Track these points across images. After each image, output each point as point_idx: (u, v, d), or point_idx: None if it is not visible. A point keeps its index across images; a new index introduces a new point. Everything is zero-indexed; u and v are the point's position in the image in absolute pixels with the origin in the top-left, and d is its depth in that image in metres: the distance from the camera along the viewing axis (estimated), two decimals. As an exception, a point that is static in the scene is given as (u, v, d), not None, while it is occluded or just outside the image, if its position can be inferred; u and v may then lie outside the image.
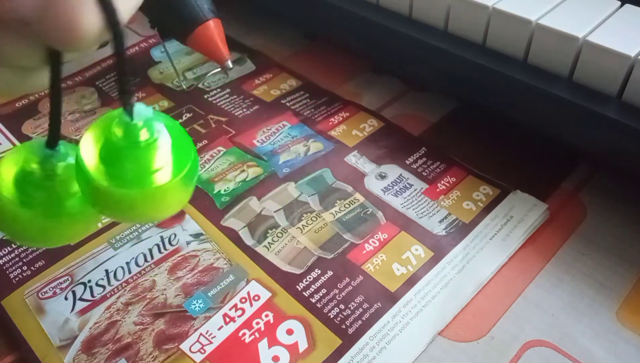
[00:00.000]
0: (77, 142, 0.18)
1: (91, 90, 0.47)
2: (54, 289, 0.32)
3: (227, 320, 0.30)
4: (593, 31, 0.33)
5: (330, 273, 0.32)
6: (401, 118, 0.43)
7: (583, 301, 0.31)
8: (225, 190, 0.37)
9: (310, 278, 0.32)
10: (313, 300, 0.31)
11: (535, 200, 0.36)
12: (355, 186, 0.37)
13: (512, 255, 0.34)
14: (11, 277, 0.32)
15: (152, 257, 0.33)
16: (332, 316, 0.30)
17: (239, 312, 0.30)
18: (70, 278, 0.32)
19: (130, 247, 0.34)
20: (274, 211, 0.36)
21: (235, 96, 0.45)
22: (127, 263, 0.33)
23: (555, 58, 0.34)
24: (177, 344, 0.29)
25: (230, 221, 0.35)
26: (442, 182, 0.38)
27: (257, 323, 0.30)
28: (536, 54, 0.35)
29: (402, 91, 0.46)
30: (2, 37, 0.15)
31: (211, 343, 0.29)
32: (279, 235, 0.34)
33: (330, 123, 0.42)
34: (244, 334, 0.29)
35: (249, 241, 0.34)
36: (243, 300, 0.31)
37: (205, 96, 0.46)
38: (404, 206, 0.36)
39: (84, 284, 0.32)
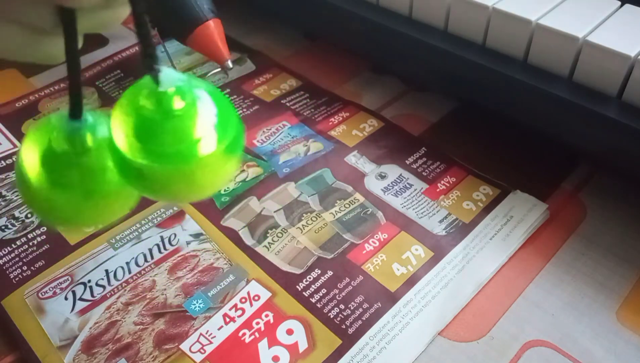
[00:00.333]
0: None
1: (91, 90, 0.47)
2: (54, 289, 0.32)
3: (227, 320, 0.30)
4: (593, 31, 0.33)
5: (330, 273, 0.32)
6: (401, 118, 0.44)
7: (583, 301, 0.31)
8: (225, 190, 0.37)
9: (310, 278, 0.32)
10: (313, 300, 0.31)
11: (535, 200, 0.36)
12: (355, 186, 0.37)
13: (512, 255, 0.34)
14: (11, 277, 0.32)
15: (152, 257, 0.33)
16: (332, 316, 0.30)
17: (239, 312, 0.30)
18: (70, 278, 0.32)
19: (130, 247, 0.34)
20: (274, 211, 0.36)
21: (235, 96, 0.45)
22: (127, 263, 0.33)
23: (555, 58, 0.34)
24: (177, 344, 0.29)
25: (230, 221, 0.35)
26: (442, 182, 0.38)
27: (257, 323, 0.30)
28: (536, 54, 0.35)
29: (402, 91, 0.46)
30: None
31: (211, 343, 0.29)
32: (279, 235, 0.34)
33: (330, 123, 0.42)
34: (244, 334, 0.29)
35: (249, 241, 0.34)
36: (243, 300, 0.31)
37: (205, 96, 0.46)
38: (404, 206, 0.36)
39: (84, 284, 0.32)
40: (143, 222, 0.35)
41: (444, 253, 0.33)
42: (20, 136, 0.42)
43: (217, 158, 0.15)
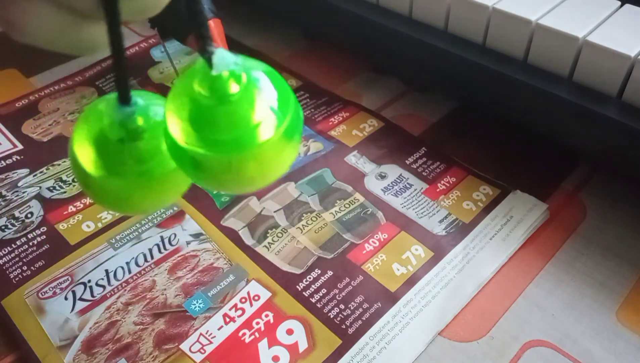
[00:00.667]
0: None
1: (91, 90, 0.47)
2: (54, 289, 0.32)
3: (227, 320, 0.30)
4: (593, 31, 0.33)
5: (330, 273, 0.32)
6: (401, 118, 0.44)
7: (583, 301, 0.31)
8: (225, 190, 0.37)
9: (310, 278, 0.32)
10: (313, 300, 0.31)
11: (535, 200, 0.36)
12: (355, 186, 0.37)
13: (512, 255, 0.34)
14: (11, 277, 0.32)
15: (152, 257, 0.33)
16: (332, 316, 0.30)
17: (239, 312, 0.30)
18: (70, 278, 0.32)
19: (130, 247, 0.34)
20: (274, 211, 0.36)
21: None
22: (127, 263, 0.33)
23: (555, 58, 0.34)
24: (177, 344, 0.29)
25: (230, 221, 0.35)
26: (442, 182, 0.38)
27: (257, 323, 0.30)
28: (536, 54, 0.35)
29: (402, 91, 0.46)
30: None
31: (211, 343, 0.29)
32: (279, 234, 0.34)
33: (330, 123, 0.42)
34: (244, 334, 0.29)
35: (249, 241, 0.34)
36: (243, 300, 0.31)
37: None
38: (404, 206, 0.36)
39: (84, 284, 0.32)
40: (143, 222, 0.35)
41: (444, 253, 0.33)
42: (20, 136, 0.42)
43: (278, 142, 0.15)
